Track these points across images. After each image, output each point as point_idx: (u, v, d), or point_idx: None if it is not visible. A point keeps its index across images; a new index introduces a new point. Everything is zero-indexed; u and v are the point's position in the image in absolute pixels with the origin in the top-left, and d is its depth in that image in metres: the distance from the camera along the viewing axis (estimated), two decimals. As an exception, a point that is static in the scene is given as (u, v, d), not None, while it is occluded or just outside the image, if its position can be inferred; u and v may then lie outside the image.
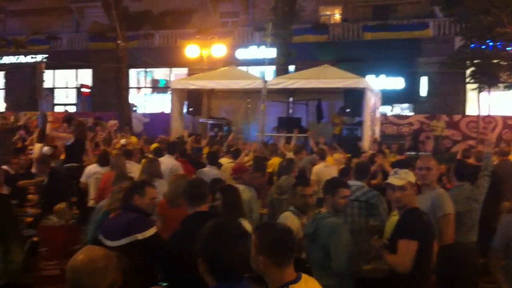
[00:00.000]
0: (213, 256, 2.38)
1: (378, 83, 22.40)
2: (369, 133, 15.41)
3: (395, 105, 26.69)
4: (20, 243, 4.22)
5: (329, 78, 15.47)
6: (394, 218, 4.54)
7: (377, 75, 24.66)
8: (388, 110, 25.84)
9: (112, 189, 5.18)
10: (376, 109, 17.38)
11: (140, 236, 3.85)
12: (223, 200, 4.75)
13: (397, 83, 25.26)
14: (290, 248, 2.57)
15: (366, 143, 14.49)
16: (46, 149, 9.40)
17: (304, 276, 2.61)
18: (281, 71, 19.72)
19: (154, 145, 10.04)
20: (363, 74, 18.68)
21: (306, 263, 4.51)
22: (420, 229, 4.01)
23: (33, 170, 8.93)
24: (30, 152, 10.97)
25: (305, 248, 4.42)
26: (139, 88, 31.39)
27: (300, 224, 4.75)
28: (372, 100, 15.81)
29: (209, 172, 7.75)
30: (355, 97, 15.11)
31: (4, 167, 8.26)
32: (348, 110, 15.86)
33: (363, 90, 14.73)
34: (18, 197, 6.98)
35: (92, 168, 8.18)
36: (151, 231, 3.94)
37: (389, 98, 22.78)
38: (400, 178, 4.11)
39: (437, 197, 4.78)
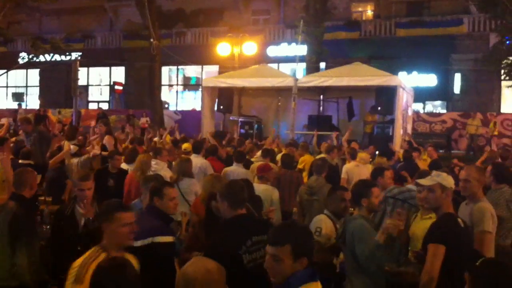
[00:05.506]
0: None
1: (410, 80, 22.19)
2: (401, 131, 15.27)
3: (427, 102, 26.42)
4: (29, 245, 4.22)
5: (361, 76, 15.34)
6: (427, 222, 4.30)
7: (409, 72, 24.45)
8: (420, 107, 25.58)
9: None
10: (408, 107, 17.20)
11: (153, 240, 4.00)
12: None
13: (430, 80, 25.04)
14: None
15: (397, 142, 14.36)
16: (72, 147, 9.37)
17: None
18: (312, 68, 19.65)
19: (186, 145, 10.02)
20: (395, 71, 18.53)
21: (336, 268, 4.51)
22: (449, 234, 3.73)
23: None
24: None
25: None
26: (171, 85, 31.69)
27: (334, 228, 4.68)
28: (404, 98, 15.64)
29: (235, 170, 7.70)
30: (387, 95, 14.98)
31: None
32: (379, 108, 15.72)
33: (395, 88, 14.59)
34: (52, 195, 6.92)
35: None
36: (167, 239, 4.10)
37: (421, 95, 22.59)
38: (431, 179, 3.97)
39: (476, 210, 4.43)
